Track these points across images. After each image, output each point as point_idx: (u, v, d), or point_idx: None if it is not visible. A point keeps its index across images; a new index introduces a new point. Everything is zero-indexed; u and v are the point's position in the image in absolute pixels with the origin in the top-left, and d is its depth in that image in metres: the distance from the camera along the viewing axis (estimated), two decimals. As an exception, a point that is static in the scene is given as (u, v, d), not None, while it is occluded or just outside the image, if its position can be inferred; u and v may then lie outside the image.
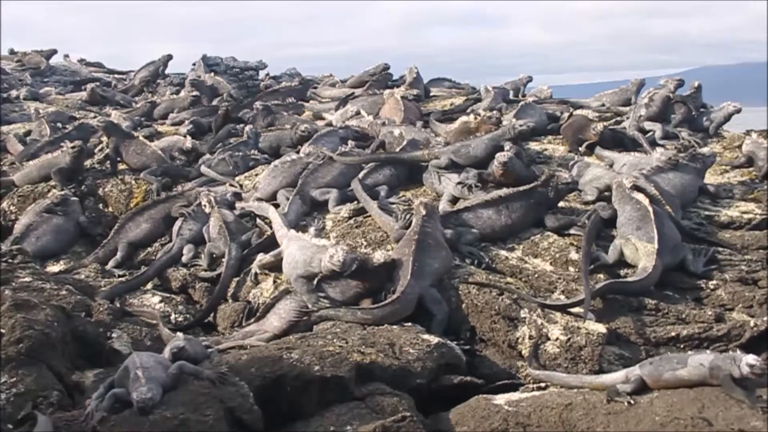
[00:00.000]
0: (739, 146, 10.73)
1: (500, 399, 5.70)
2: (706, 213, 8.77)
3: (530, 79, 16.38)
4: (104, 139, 12.70)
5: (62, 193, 10.77)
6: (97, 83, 18.88)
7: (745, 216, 8.59)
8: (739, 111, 11.86)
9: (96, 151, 12.78)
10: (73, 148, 11.47)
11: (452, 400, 5.82)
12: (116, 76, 22.11)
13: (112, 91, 18.97)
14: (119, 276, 9.16)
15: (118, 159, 11.98)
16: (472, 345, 6.84)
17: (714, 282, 7.35)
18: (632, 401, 5.28)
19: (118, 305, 8.20)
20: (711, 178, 9.74)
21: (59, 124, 14.25)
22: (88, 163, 12.22)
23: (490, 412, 5.47)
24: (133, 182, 11.61)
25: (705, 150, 9.89)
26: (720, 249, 7.86)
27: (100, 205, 11.46)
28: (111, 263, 9.61)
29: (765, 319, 6.65)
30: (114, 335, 7.06)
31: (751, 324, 6.60)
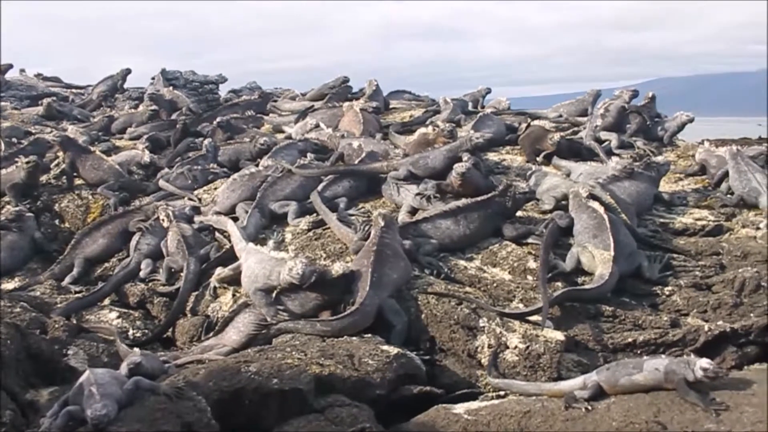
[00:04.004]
0: (693, 155, 10.95)
1: (460, 408, 5.73)
2: (661, 220, 8.93)
3: (489, 91, 16.55)
4: (60, 154, 12.52)
5: (17, 208, 10.57)
6: (54, 98, 18.56)
7: (699, 223, 8.78)
8: (692, 120, 12.13)
9: (52, 166, 12.58)
10: (27, 163, 11.29)
11: (412, 410, 5.84)
12: (74, 90, 21.78)
13: (70, 105, 18.66)
14: (76, 292, 9.04)
15: (75, 174, 11.84)
16: (431, 355, 6.86)
17: (669, 288, 7.49)
18: (590, 407, 5.35)
19: (74, 322, 8.09)
20: (665, 186, 9.93)
21: (14, 140, 13.98)
22: (43, 178, 12.03)
23: (450, 422, 5.51)
24: (90, 197, 11.48)
25: (659, 159, 10.10)
26: (675, 255, 8.03)
27: (57, 221, 11.29)
28: (67, 279, 9.46)
29: (719, 323, 6.76)
30: (70, 352, 6.97)
31: (706, 328, 6.71)
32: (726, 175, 9.65)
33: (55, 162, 12.74)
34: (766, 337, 6.70)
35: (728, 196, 9.40)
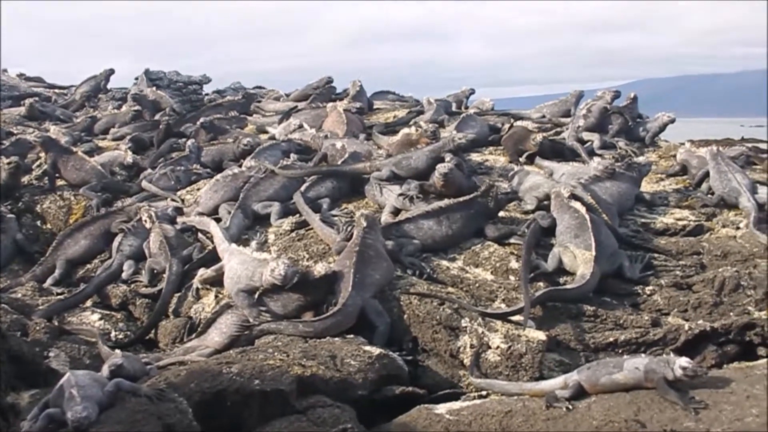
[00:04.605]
0: (674, 155, 11.03)
1: (442, 408, 5.71)
2: (643, 220, 8.98)
3: (472, 92, 16.55)
4: (42, 154, 12.46)
5: (-2, 210, 10.53)
6: (36, 98, 18.45)
7: (680, 223, 8.83)
8: (673, 121, 12.21)
9: (34, 167, 12.56)
10: (9, 164, 11.26)
11: (394, 410, 5.83)
12: (57, 90, 21.65)
13: (52, 106, 18.57)
14: (57, 294, 9.01)
15: (57, 175, 11.79)
16: (414, 355, 6.87)
17: (650, 287, 7.53)
18: (571, 406, 5.35)
19: (56, 324, 8.06)
20: (647, 187, 9.98)
21: (-5, 140, 13.92)
22: (25, 179, 12.00)
23: (432, 422, 5.49)
24: (73, 198, 11.45)
25: (641, 159, 10.17)
26: (656, 255, 8.07)
27: (38, 222, 11.28)
28: (49, 281, 9.43)
29: (699, 322, 6.81)
30: (51, 354, 6.95)
31: (686, 327, 6.74)
32: (706, 175, 9.71)
33: (37, 163, 12.72)
34: (746, 336, 6.74)
35: (709, 196, 9.46)
